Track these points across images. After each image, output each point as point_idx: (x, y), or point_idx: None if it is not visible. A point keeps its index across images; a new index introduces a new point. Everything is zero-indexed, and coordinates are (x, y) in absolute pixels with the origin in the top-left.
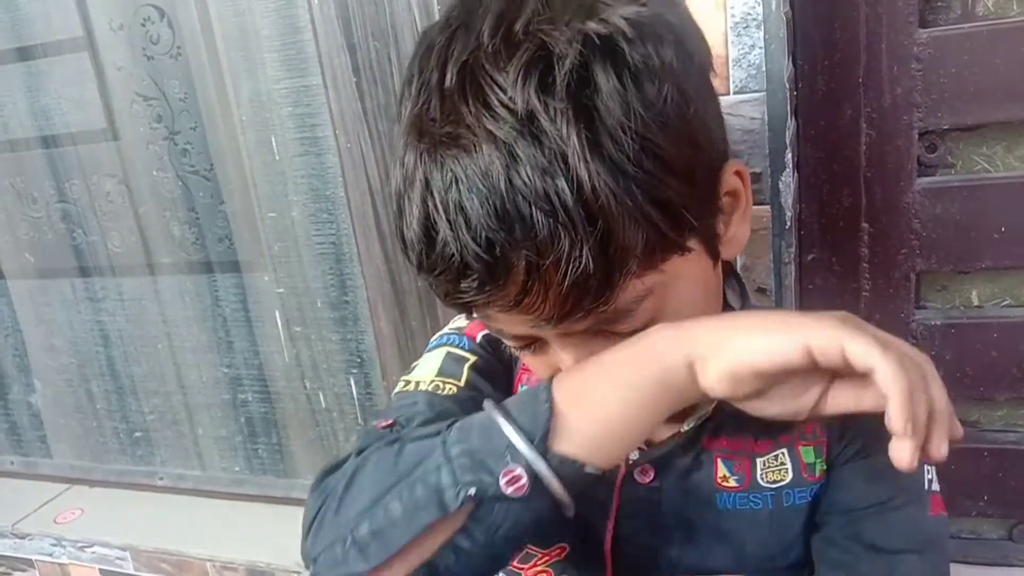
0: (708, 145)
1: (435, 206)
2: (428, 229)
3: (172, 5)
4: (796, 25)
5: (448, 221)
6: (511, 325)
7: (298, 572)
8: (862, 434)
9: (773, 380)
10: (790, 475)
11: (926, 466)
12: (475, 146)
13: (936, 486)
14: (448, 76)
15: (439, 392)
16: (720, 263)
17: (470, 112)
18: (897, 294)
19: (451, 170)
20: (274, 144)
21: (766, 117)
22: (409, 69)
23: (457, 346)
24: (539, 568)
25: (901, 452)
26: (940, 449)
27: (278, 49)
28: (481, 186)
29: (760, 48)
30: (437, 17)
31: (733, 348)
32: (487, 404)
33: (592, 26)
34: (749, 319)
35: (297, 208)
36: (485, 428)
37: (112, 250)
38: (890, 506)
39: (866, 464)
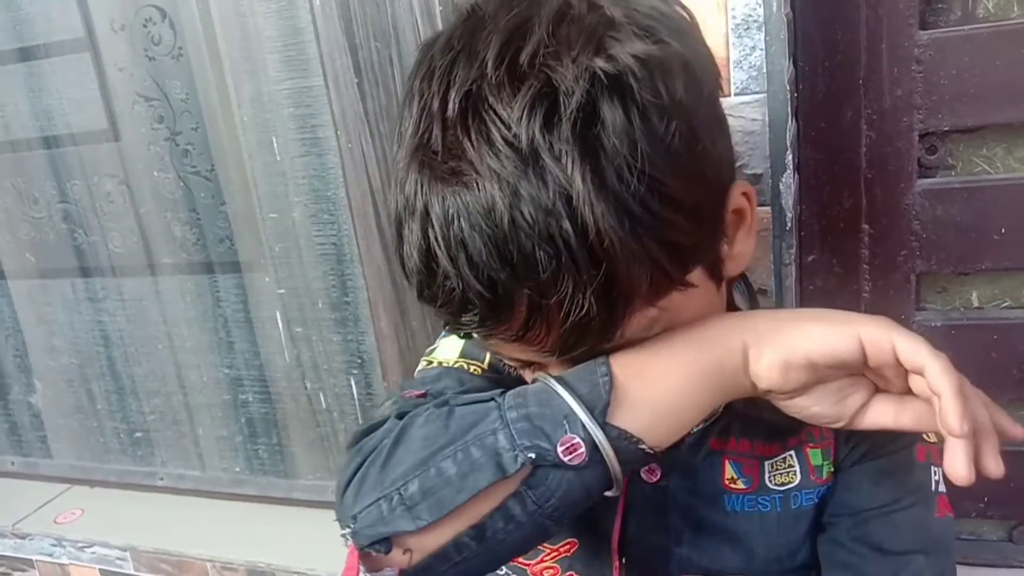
0: (716, 176)
1: (436, 239)
2: (429, 261)
3: (174, 6)
4: (797, 27)
5: (450, 256)
6: (512, 352)
7: (299, 572)
8: (869, 436)
9: (822, 376)
10: (798, 477)
11: (933, 467)
12: (478, 184)
13: (943, 487)
14: (450, 104)
15: (465, 371)
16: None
17: (472, 146)
18: (897, 295)
19: (453, 205)
20: (275, 145)
21: (767, 119)
22: (409, 85)
23: None
24: (546, 564)
25: (958, 462)
26: (997, 464)
27: (279, 50)
28: (484, 224)
29: (761, 50)
30: (438, 18)
31: (789, 335)
32: (540, 375)
33: (600, 63)
34: (805, 312)
35: (298, 209)
36: (543, 396)
37: (113, 250)
38: (897, 507)
39: (873, 466)
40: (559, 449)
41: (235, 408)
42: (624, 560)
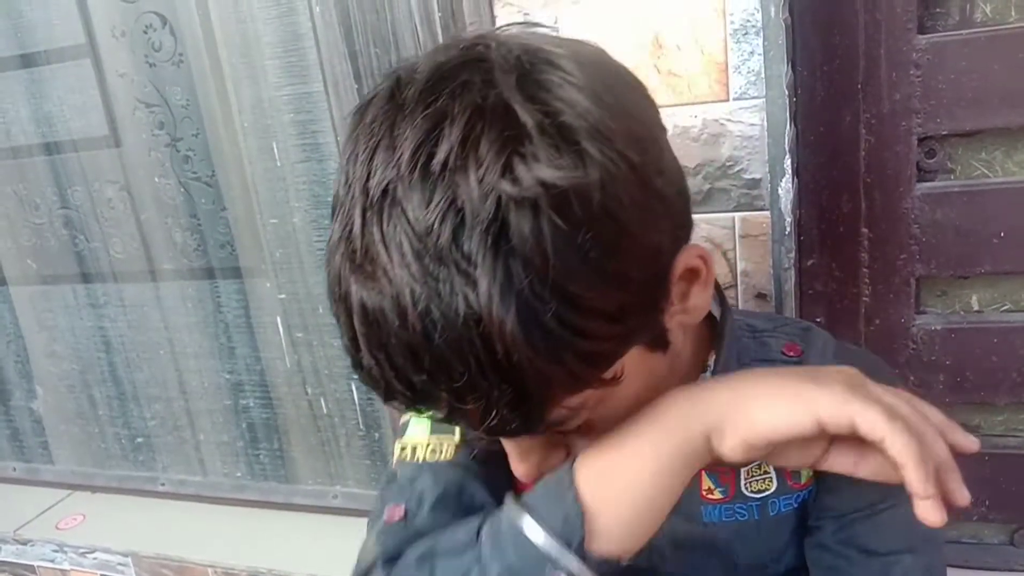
0: (650, 264)
1: (359, 333)
2: (356, 350)
3: (174, 12)
4: (795, 31)
5: (372, 355)
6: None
7: None
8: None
9: (785, 444)
10: (775, 484)
11: None
12: (392, 293)
13: None
14: (369, 196)
15: (439, 456)
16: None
17: (385, 251)
18: (897, 299)
19: (371, 302)
20: (275, 150)
21: (765, 123)
22: (345, 146)
23: None
24: None
25: (929, 512)
26: (962, 494)
27: (280, 56)
28: (400, 332)
29: (759, 54)
30: (437, 24)
31: (748, 419)
32: (509, 502)
33: (505, 186)
34: (760, 386)
35: (298, 214)
36: (518, 539)
37: (114, 256)
38: (881, 508)
39: None
40: None
41: (236, 413)
42: None
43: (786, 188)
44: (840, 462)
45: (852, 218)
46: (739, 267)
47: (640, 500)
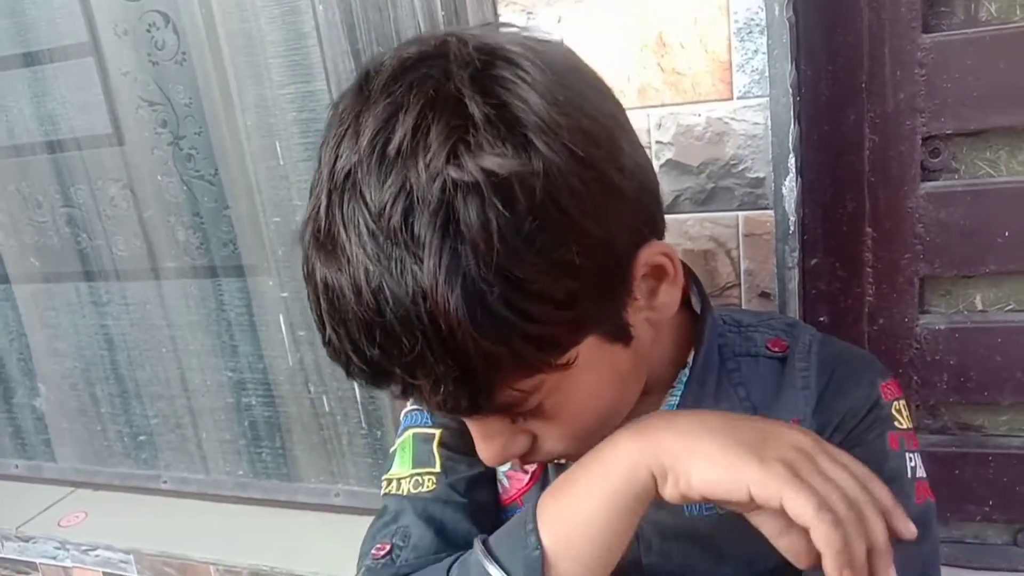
0: (602, 250)
1: (324, 310)
2: (322, 327)
3: (177, 11)
4: (799, 30)
5: (333, 330)
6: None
7: None
8: (839, 428)
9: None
10: None
11: (908, 454)
12: (349, 271)
13: (921, 473)
14: (334, 179)
15: (421, 490)
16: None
17: (343, 231)
18: (901, 299)
19: (332, 280)
20: (279, 149)
21: (769, 122)
22: (322, 135)
23: (421, 425)
24: None
25: None
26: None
27: (283, 55)
28: (356, 307)
29: (763, 53)
30: (440, 23)
31: (686, 474)
32: (477, 546)
33: (451, 172)
34: (705, 441)
35: (301, 213)
36: None
37: (117, 254)
38: None
39: None
40: None
41: (238, 411)
42: None
43: (790, 187)
44: (767, 525)
45: (856, 217)
46: (743, 266)
47: (596, 537)
